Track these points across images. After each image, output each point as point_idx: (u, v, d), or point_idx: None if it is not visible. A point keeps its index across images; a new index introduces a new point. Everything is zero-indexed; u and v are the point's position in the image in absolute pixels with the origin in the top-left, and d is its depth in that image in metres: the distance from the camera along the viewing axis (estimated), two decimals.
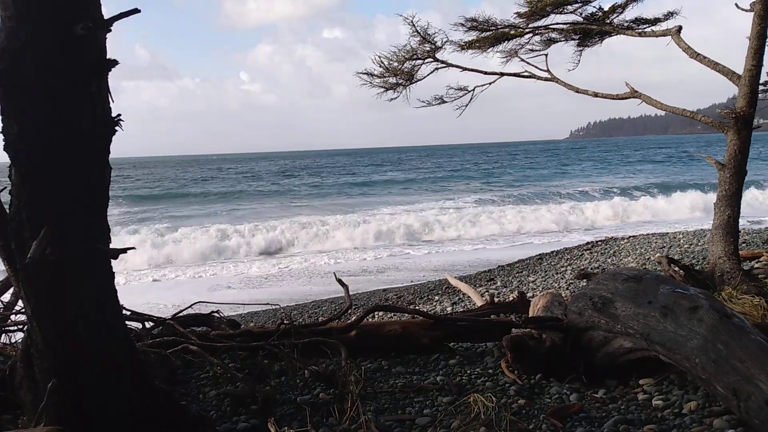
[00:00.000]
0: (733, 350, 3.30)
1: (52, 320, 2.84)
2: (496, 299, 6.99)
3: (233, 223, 23.45)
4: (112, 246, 2.98)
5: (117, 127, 2.85)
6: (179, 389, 4.22)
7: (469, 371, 4.59)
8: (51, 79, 2.51)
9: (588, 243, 15.70)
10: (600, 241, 15.83)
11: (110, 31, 2.70)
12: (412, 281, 13.05)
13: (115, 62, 2.68)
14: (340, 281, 5.60)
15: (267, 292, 12.72)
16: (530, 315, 5.60)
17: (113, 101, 2.81)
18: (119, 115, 2.85)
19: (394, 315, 8.00)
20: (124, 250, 2.93)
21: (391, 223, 21.65)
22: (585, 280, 8.83)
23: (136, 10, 2.71)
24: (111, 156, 2.86)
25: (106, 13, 2.74)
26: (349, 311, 5.58)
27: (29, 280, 2.77)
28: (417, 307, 9.60)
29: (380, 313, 8.67)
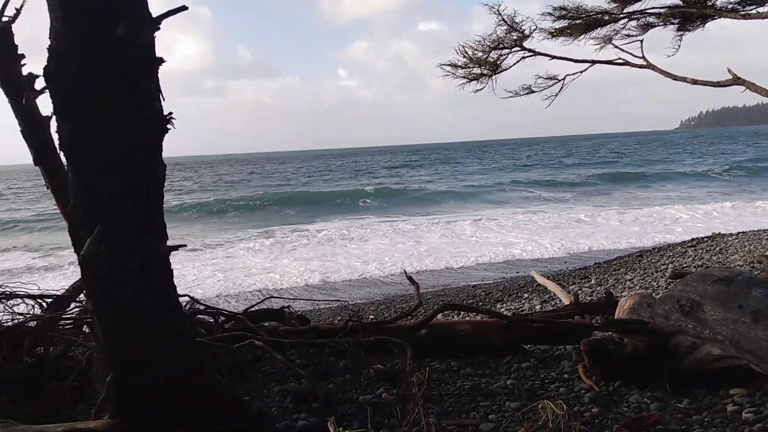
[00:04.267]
0: None
1: (108, 317, 2.90)
2: (580, 299, 6.66)
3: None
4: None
5: (169, 126, 2.86)
6: (245, 384, 4.25)
7: (543, 375, 4.36)
8: (98, 78, 2.55)
9: (693, 239, 14.77)
10: (706, 237, 14.84)
11: (159, 29, 2.72)
12: (503, 277, 12.73)
13: (161, 60, 2.69)
14: (410, 279, 5.50)
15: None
16: (616, 317, 5.27)
17: (164, 99, 2.83)
18: (171, 113, 2.86)
19: (463, 314, 7.75)
20: (176, 247, 2.95)
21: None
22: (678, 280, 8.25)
23: (183, 8, 2.71)
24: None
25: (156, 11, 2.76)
26: (419, 309, 5.45)
27: (86, 276, 2.84)
28: (505, 305, 9.34)
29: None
